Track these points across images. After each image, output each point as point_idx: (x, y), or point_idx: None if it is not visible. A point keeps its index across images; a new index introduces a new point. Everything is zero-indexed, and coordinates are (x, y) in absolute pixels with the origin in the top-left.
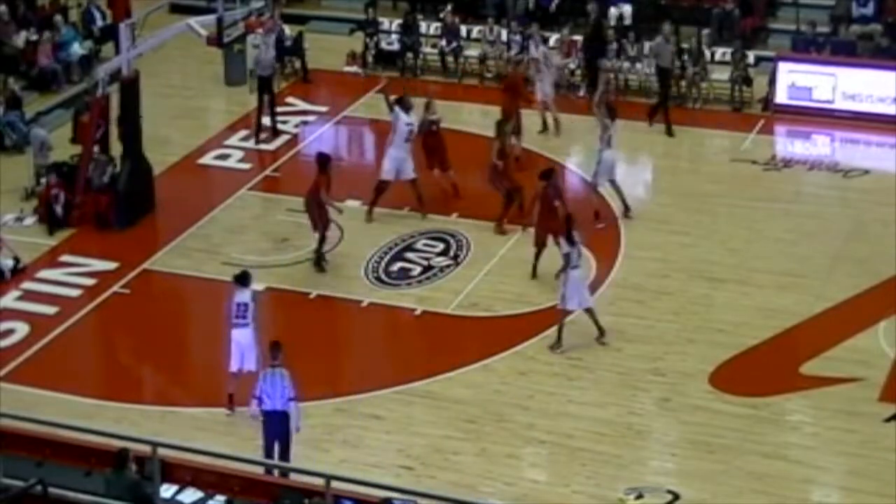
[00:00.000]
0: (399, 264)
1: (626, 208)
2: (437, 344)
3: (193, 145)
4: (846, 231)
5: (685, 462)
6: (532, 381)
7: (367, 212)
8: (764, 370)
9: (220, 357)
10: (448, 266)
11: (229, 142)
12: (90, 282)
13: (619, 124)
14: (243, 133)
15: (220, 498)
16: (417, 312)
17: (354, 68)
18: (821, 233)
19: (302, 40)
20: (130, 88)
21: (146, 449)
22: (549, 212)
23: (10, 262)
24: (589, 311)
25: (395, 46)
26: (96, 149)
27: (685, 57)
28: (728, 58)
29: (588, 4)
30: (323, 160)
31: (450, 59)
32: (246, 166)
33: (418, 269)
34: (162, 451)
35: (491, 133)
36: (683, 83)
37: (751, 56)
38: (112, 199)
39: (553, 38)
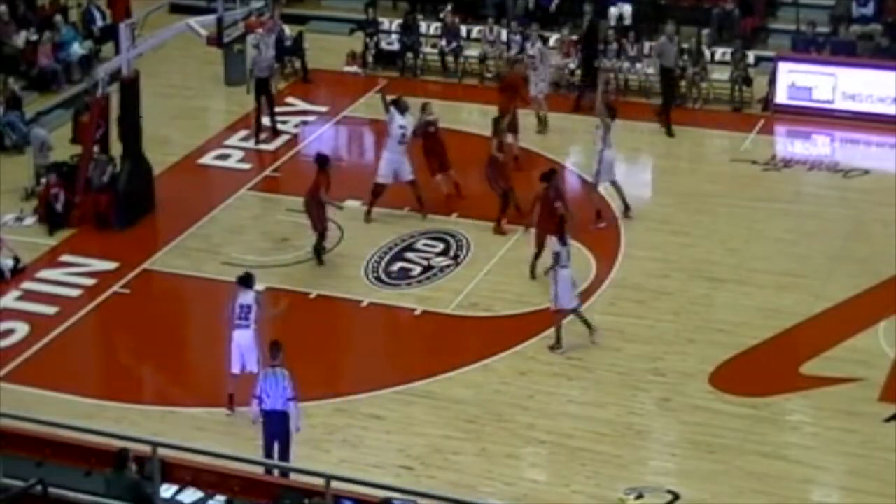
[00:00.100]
0: (399, 264)
1: (627, 207)
2: (437, 344)
3: (193, 145)
4: (846, 231)
5: (685, 462)
6: (532, 381)
7: (365, 213)
8: (764, 370)
9: (220, 357)
10: (448, 266)
11: (229, 142)
12: (90, 282)
13: (618, 124)
14: (243, 133)
15: (220, 498)
16: (417, 312)
17: (354, 68)
18: (821, 233)
19: (302, 40)
20: (130, 88)
21: (146, 449)
22: (549, 213)
23: (10, 262)
24: (575, 311)
25: (395, 46)
26: (96, 149)
27: (685, 57)
28: (728, 58)
29: (584, 5)
30: (322, 160)
31: (450, 59)
32: (246, 166)
33: (418, 269)
34: (162, 451)
35: (490, 132)
36: (683, 83)
37: (751, 56)
38: (112, 199)
39: (553, 38)
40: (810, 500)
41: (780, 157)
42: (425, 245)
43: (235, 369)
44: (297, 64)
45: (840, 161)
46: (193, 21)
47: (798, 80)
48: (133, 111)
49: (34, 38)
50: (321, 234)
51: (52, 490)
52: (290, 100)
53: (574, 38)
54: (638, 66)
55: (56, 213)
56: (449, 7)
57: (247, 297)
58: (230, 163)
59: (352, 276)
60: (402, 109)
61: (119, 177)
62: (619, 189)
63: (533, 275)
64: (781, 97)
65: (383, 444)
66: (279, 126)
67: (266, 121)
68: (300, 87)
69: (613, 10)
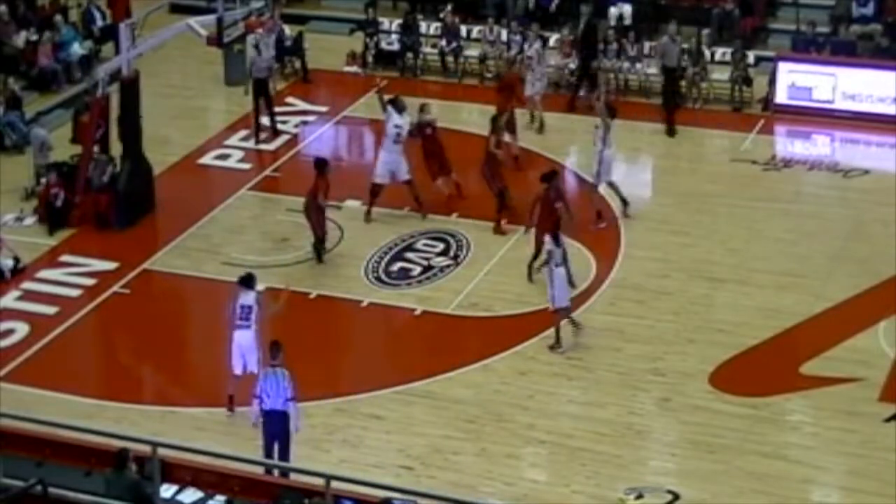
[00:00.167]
0: (399, 264)
1: (625, 204)
2: (437, 344)
3: (193, 145)
4: (846, 231)
5: (685, 462)
6: (532, 381)
7: (365, 213)
8: (764, 370)
9: (220, 357)
10: (448, 266)
11: (229, 142)
12: (90, 282)
13: (618, 124)
14: (243, 133)
15: (220, 498)
16: (417, 312)
17: (354, 68)
18: (821, 233)
19: (302, 40)
20: (130, 88)
21: (146, 449)
22: (549, 214)
23: (10, 262)
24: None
25: (395, 46)
26: (96, 149)
27: (685, 57)
28: (728, 58)
29: (581, 5)
30: (321, 164)
31: (450, 59)
32: (246, 166)
33: (418, 269)
34: (162, 451)
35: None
36: (683, 83)
37: (751, 56)
38: (112, 199)
39: (553, 38)
40: (810, 500)
41: (780, 157)
42: (425, 245)
43: (237, 370)
44: (297, 64)
45: (840, 161)
46: (193, 21)
47: (798, 80)
48: (133, 111)
49: (34, 38)
50: (321, 237)
51: (52, 490)
52: (290, 100)
53: (573, 38)
54: (638, 66)
55: (56, 213)
56: (449, 7)
57: (248, 298)
58: (230, 163)
59: (352, 276)
60: (400, 109)
61: (119, 177)
62: (616, 188)
63: (530, 277)
64: (781, 97)
65: (383, 444)
66: (279, 126)
67: (265, 121)
68: (300, 87)
69: (613, 10)
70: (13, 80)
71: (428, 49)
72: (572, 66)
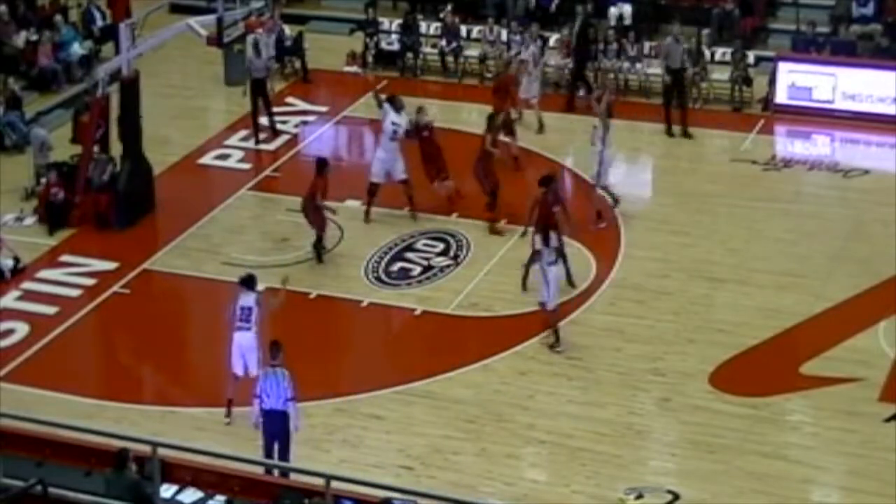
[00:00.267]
0: (399, 264)
1: (616, 202)
2: (437, 344)
3: (193, 145)
4: (846, 231)
5: (685, 462)
6: (532, 381)
7: (364, 213)
8: (764, 370)
9: (220, 357)
10: (448, 266)
11: (229, 142)
12: (90, 282)
13: (618, 124)
14: (243, 133)
15: (220, 498)
16: (417, 312)
17: (354, 68)
18: (821, 233)
19: (302, 40)
20: (130, 88)
21: (146, 449)
22: (547, 218)
23: (10, 262)
24: (544, 307)
25: (395, 46)
26: (96, 148)
27: (685, 57)
28: (728, 58)
29: (576, 5)
30: (321, 164)
31: (450, 59)
32: (246, 166)
33: (418, 269)
34: (162, 451)
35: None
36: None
37: (751, 56)
38: (112, 198)
39: (553, 38)
40: (810, 500)
41: (780, 157)
42: (425, 245)
43: (237, 371)
44: (297, 64)
45: (840, 161)
46: (193, 21)
47: (798, 80)
48: (133, 111)
49: (34, 38)
50: (320, 236)
51: (52, 490)
52: (290, 100)
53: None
54: (638, 66)
55: (56, 213)
56: (449, 7)
57: (248, 299)
58: (230, 163)
59: (352, 276)
60: (398, 107)
61: (119, 177)
62: (609, 190)
63: (524, 286)
64: (781, 97)
65: (383, 444)
66: (279, 126)
67: (264, 121)
68: (300, 87)
69: (613, 10)
70: (13, 80)
71: (428, 49)
72: (571, 66)
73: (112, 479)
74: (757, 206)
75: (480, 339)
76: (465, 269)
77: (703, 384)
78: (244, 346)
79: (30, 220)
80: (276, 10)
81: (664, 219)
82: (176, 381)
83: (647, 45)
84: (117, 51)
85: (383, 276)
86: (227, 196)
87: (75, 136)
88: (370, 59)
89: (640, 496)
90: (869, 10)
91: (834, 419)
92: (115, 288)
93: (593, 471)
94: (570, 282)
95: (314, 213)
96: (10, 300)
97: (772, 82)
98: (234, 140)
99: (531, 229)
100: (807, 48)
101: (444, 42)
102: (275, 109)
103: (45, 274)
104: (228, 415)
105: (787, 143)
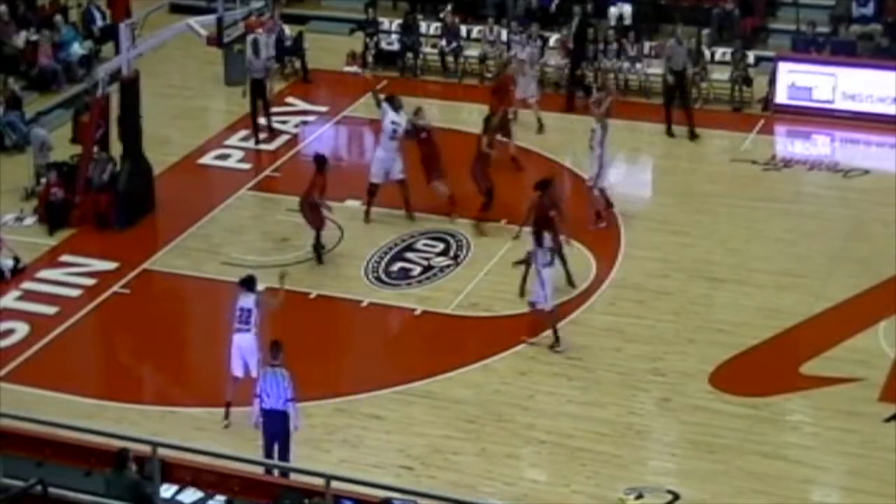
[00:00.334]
0: (399, 264)
1: (609, 206)
2: (437, 344)
3: (193, 145)
4: (846, 231)
5: (685, 462)
6: (532, 381)
7: (364, 213)
8: (764, 370)
9: (220, 357)
10: (448, 266)
11: (229, 142)
12: (90, 282)
13: (618, 124)
14: (243, 133)
15: (220, 498)
16: (417, 312)
17: (354, 68)
18: (821, 233)
19: (302, 40)
20: (130, 88)
21: (146, 449)
22: (543, 222)
23: (10, 262)
24: (533, 306)
25: (395, 46)
26: (96, 148)
27: (688, 59)
28: (728, 58)
29: (574, 6)
30: (320, 161)
31: (450, 59)
32: (246, 166)
33: (418, 269)
34: (162, 451)
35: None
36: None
37: (751, 56)
38: (112, 198)
39: (553, 38)
40: (810, 500)
41: (780, 157)
42: (425, 245)
43: (237, 373)
44: (297, 64)
45: (840, 161)
46: (193, 21)
47: (798, 80)
48: (133, 111)
49: (34, 38)
50: (317, 234)
51: (52, 490)
52: (290, 100)
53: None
54: (638, 66)
55: (56, 213)
56: (449, 7)
57: (247, 301)
58: (230, 163)
59: (352, 276)
60: (396, 106)
61: (119, 177)
62: (604, 190)
63: (522, 291)
64: (781, 97)
65: (383, 444)
66: (279, 126)
67: (263, 121)
68: (300, 87)
69: (613, 10)
70: (13, 80)
71: (428, 49)
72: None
73: (112, 479)
74: (757, 206)
75: (480, 339)
76: (465, 269)
77: (703, 384)
78: (244, 348)
79: (30, 220)
80: (276, 10)
81: (664, 219)
82: (176, 381)
83: (647, 45)
84: (117, 51)
85: (383, 276)
86: (227, 196)
87: (75, 136)
88: (370, 59)
89: (640, 496)
90: (869, 10)
91: (834, 419)
92: (115, 288)
93: (593, 471)
94: (571, 282)
95: (311, 212)
96: (10, 300)
97: (772, 82)
98: (234, 140)
99: (526, 229)
100: (807, 48)
101: (444, 42)
102: (275, 109)
103: (45, 274)
104: (227, 417)
105: (787, 143)
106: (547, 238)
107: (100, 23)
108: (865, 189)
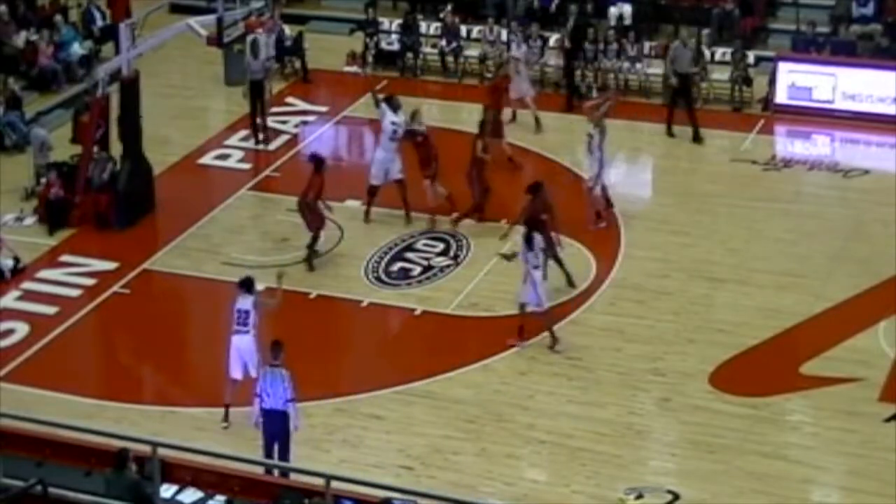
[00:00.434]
0: (399, 264)
1: (608, 205)
2: (437, 344)
3: (193, 145)
4: (846, 231)
5: (685, 462)
6: (532, 381)
7: (364, 213)
8: (764, 370)
9: (220, 357)
10: (448, 266)
11: (229, 142)
12: (90, 282)
13: (618, 124)
14: (243, 133)
15: (220, 498)
16: (417, 312)
17: (354, 68)
18: (821, 233)
19: (302, 40)
20: (130, 88)
21: (146, 449)
22: (535, 225)
23: (10, 262)
24: (523, 309)
25: (395, 46)
26: (96, 148)
27: (692, 61)
28: (728, 58)
29: (570, 5)
30: (318, 162)
31: (450, 59)
32: (246, 166)
33: (418, 269)
34: (162, 451)
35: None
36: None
37: (751, 56)
38: (112, 198)
39: (553, 38)
40: (810, 500)
41: (780, 157)
42: (425, 245)
43: (236, 375)
44: (297, 64)
45: (840, 161)
46: (193, 21)
47: (798, 80)
48: (133, 111)
49: (34, 38)
50: (314, 237)
51: (52, 490)
52: (290, 100)
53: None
54: (638, 66)
55: (56, 213)
56: (449, 7)
57: (245, 302)
58: (230, 163)
59: (352, 276)
60: (395, 107)
61: (119, 177)
62: (605, 189)
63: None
64: (781, 97)
65: (383, 444)
66: (277, 126)
67: (260, 121)
68: (300, 87)
69: (613, 10)
70: (13, 80)
71: (428, 49)
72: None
73: (112, 479)
74: (757, 206)
75: (480, 339)
76: (465, 269)
77: (703, 384)
78: (242, 350)
79: (30, 220)
80: (276, 10)
81: (664, 219)
82: (176, 381)
83: (647, 45)
84: (117, 51)
85: (383, 276)
86: (227, 196)
87: (75, 136)
88: (370, 59)
89: (640, 496)
90: (869, 10)
91: (834, 419)
92: (115, 288)
93: (593, 471)
94: (571, 283)
95: (309, 212)
96: (10, 300)
97: (772, 82)
98: (234, 140)
99: (518, 228)
100: (807, 48)
101: (444, 42)
102: (275, 109)
103: (45, 274)
104: (226, 418)
105: (787, 143)
106: (538, 240)
107: (100, 23)
108: (865, 189)
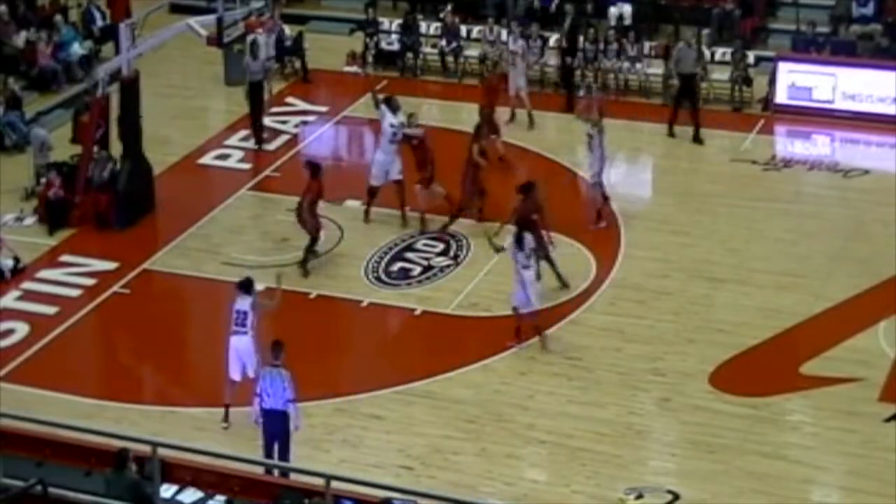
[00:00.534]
0: (399, 264)
1: (606, 197)
2: (437, 344)
3: (193, 145)
4: (846, 231)
5: (685, 462)
6: (532, 381)
7: (364, 213)
8: (764, 370)
9: (220, 357)
10: (448, 266)
11: (229, 142)
12: (90, 282)
13: (618, 124)
14: (243, 133)
15: (220, 498)
16: (417, 312)
17: (354, 68)
18: (821, 233)
19: (302, 40)
20: (130, 88)
21: (146, 449)
22: (526, 225)
23: (10, 262)
24: (516, 310)
25: (395, 46)
26: (96, 148)
27: (695, 62)
28: (728, 58)
29: (566, 5)
30: (314, 168)
31: (450, 59)
32: (246, 166)
33: (418, 269)
34: (162, 451)
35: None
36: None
37: (751, 56)
38: (112, 198)
39: (553, 38)
40: (810, 500)
41: (780, 157)
42: (425, 245)
43: (235, 376)
44: (297, 64)
45: (840, 161)
46: (193, 21)
47: (798, 80)
48: (133, 111)
49: (34, 38)
50: (312, 239)
51: (52, 490)
52: (290, 100)
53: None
54: (638, 66)
55: (56, 213)
56: (449, 7)
57: (244, 303)
58: (230, 163)
59: (352, 276)
60: (394, 109)
61: (119, 177)
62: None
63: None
64: (781, 97)
65: (383, 444)
66: (275, 126)
67: (266, 122)
68: (300, 87)
69: (613, 10)
70: (13, 80)
71: (428, 49)
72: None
73: (112, 479)
74: (757, 206)
75: (480, 339)
76: (465, 269)
77: (703, 384)
78: (241, 350)
79: (30, 220)
80: (276, 10)
81: (664, 219)
82: (176, 381)
83: (647, 45)
84: (117, 51)
85: (383, 276)
86: (227, 196)
87: (75, 136)
88: (370, 59)
89: (640, 496)
90: (869, 10)
91: (834, 419)
92: (115, 288)
93: (593, 471)
94: (563, 283)
95: (309, 218)
96: (10, 300)
97: (772, 82)
98: (234, 140)
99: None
100: (807, 48)
101: (444, 42)
102: (275, 109)
103: (45, 274)
104: (226, 419)
105: (787, 143)
106: (528, 240)
107: (100, 23)
108: (865, 189)
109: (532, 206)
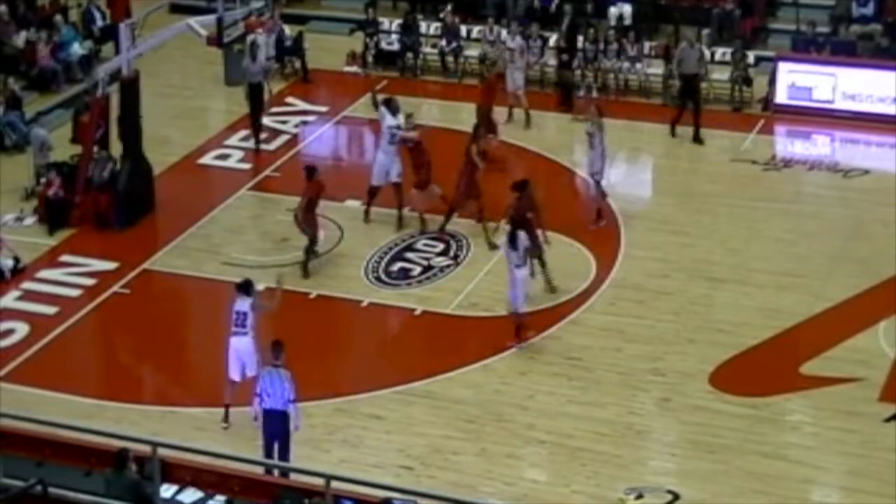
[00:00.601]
0: (399, 264)
1: (603, 194)
2: (437, 344)
3: (193, 145)
4: (846, 231)
5: (685, 462)
6: (532, 381)
7: (364, 213)
8: (764, 370)
9: (220, 357)
10: (448, 266)
11: (229, 142)
12: (90, 282)
13: (618, 124)
14: (243, 133)
15: (220, 498)
16: (417, 312)
17: (354, 68)
18: (821, 233)
19: (302, 40)
20: (130, 88)
21: (146, 449)
22: (521, 223)
23: (10, 262)
24: (517, 311)
25: (395, 46)
26: (96, 148)
27: (698, 62)
28: (728, 58)
29: (565, 5)
30: (310, 170)
31: (450, 59)
32: (246, 166)
33: (418, 269)
34: (162, 451)
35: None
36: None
37: (751, 56)
38: (112, 198)
39: (553, 38)
40: (810, 500)
41: (780, 157)
42: (425, 245)
43: (235, 377)
44: (297, 64)
45: (840, 161)
46: (193, 21)
47: (798, 80)
48: (133, 111)
49: (34, 38)
50: (311, 240)
51: (52, 490)
52: (290, 100)
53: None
54: (638, 66)
55: (56, 213)
56: (449, 7)
57: (243, 304)
58: (230, 163)
59: (352, 276)
60: (394, 110)
61: (119, 177)
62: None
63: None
64: (781, 97)
65: (383, 444)
66: (275, 126)
67: (266, 122)
68: (300, 87)
69: (613, 10)
70: (13, 80)
71: (428, 49)
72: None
73: (112, 479)
74: (757, 206)
75: (480, 339)
76: (465, 269)
77: (703, 384)
78: (240, 351)
79: (30, 220)
80: (276, 10)
81: (664, 219)
82: (176, 381)
83: (647, 45)
84: (117, 51)
85: (383, 276)
86: (227, 196)
87: (75, 136)
88: (370, 59)
89: (640, 496)
90: (869, 10)
91: (834, 419)
92: (115, 288)
93: (593, 471)
94: (551, 288)
95: (305, 221)
96: (10, 300)
97: (772, 82)
98: (234, 140)
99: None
100: (807, 48)
101: (444, 42)
102: (275, 109)
103: (45, 274)
104: (226, 419)
105: (787, 143)
106: (522, 239)
107: (100, 23)
108: (865, 189)
109: (527, 204)
